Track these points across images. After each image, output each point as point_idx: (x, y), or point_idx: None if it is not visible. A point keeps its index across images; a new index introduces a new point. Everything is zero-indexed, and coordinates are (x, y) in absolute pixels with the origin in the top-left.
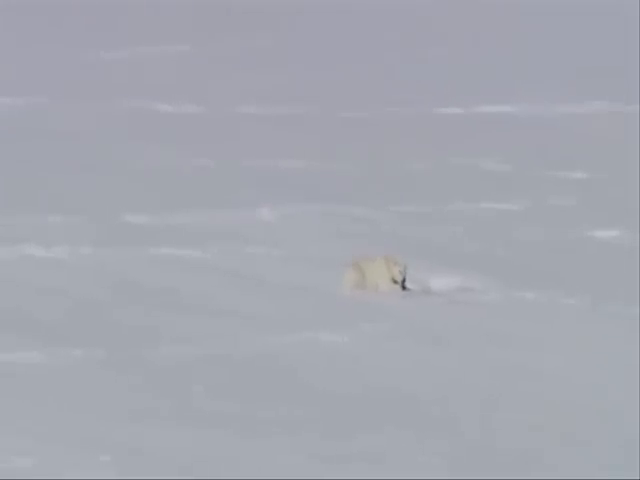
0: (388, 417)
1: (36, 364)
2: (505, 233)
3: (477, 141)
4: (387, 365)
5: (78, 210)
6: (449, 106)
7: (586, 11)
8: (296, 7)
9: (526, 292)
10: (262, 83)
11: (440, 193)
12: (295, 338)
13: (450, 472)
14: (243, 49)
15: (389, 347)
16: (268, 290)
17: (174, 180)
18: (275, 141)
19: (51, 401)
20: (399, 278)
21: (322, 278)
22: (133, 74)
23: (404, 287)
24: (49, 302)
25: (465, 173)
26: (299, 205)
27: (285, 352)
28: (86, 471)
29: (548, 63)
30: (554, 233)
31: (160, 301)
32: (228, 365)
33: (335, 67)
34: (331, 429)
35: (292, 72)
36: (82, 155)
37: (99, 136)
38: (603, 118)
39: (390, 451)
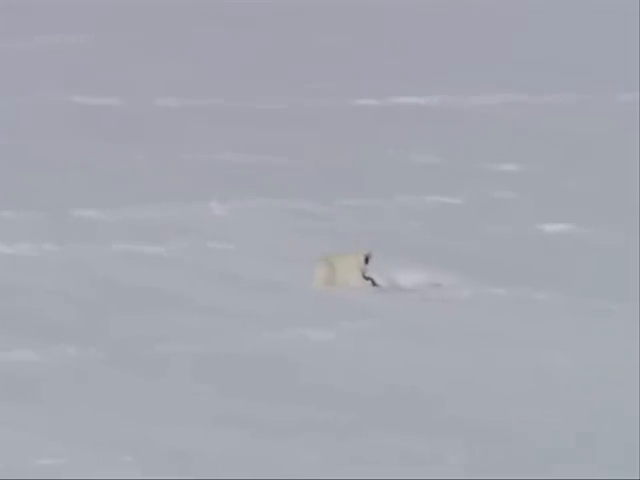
0: (398, 415)
1: (33, 363)
2: (458, 227)
3: (400, 133)
4: (381, 363)
5: (30, 206)
6: (364, 97)
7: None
8: None
9: (496, 288)
10: (175, 74)
11: (383, 186)
12: (284, 335)
13: (451, 473)
14: (155, 40)
15: (377, 345)
16: (241, 287)
17: (115, 175)
18: (201, 134)
19: (52, 400)
20: (363, 261)
21: (290, 274)
22: (41, 65)
23: (374, 283)
24: (30, 300)
25: (400, 166)
26: (247, 200)
27: (277, 349)
28: (92, 471)
29: (463, 54)
30: (505, 227)
31: (140, 299)
32: (228, 363)
33: (248, 58)
34: (336, 429)
35: (206, 63)
36: (14, 150)
37: (24, 130)
38: (518, 109)
39: (395, 450)
